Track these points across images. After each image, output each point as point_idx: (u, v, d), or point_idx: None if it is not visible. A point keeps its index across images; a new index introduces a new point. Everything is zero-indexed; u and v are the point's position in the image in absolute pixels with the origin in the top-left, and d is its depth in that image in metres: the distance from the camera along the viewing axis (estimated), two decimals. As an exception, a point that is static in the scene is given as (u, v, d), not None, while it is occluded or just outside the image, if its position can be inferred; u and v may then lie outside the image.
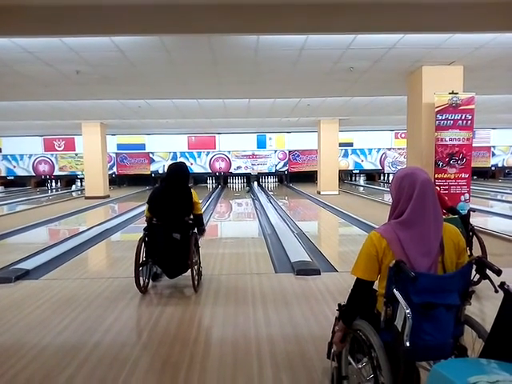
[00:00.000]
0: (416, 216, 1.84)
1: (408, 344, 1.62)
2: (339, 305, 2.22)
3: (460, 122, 6.48)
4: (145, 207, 4.23)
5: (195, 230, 4.32)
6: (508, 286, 1.59)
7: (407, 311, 1.63)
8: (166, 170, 4.32)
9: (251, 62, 6.36)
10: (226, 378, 2.56)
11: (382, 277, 1.91)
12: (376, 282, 1.96)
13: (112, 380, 2.53)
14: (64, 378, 2.54)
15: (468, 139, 6.54)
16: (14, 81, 7.35)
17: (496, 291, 1.62)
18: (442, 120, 6.47)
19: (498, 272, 1.72)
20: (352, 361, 2.12)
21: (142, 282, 4.07)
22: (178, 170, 4.23)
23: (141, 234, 4.20)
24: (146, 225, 4.20)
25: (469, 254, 3.66)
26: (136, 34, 5.04)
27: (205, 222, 4.83)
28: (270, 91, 8.82)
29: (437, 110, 6.46)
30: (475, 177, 20.08)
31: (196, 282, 4.19)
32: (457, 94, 6.45)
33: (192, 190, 4.22)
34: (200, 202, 4.37)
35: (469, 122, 6.50)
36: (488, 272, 1.80)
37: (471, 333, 1.86)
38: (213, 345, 3.05)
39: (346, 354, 2.14)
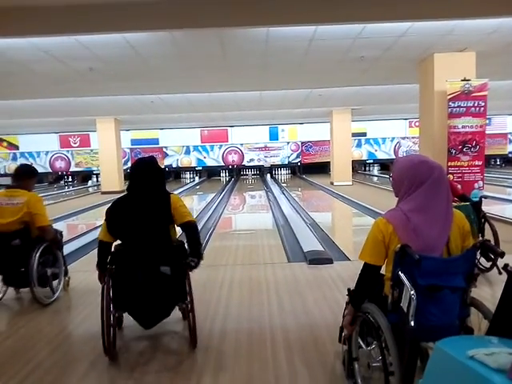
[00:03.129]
0: (430, 200, 1.88)
1: (413, 323, 1.69)
2: (348, 289, 2.30)
3: (473, 109, 6.42)
4: (101, 228, 2.91)
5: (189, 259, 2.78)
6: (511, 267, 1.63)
7: (411, 292, 1.70)
8: (130, 172, 2.94)
9: (261, 54, 6.39)
10: (242, 362, 2.65)
11: (389, 261, 1.96)
12: (383, 267, 2.03)
13: (132, 366, 2.64)
14: (88, 363, 2.67)
15: (481, 126, 6.48)
16: (29, 80, 7.53)
17: (500, 273, 1.67)
18: (454, 107, 6.42)
19: (501, 254, 1.76)
20: (362, 344, 2.19)
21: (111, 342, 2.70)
22: (146, 169, 2.85)
23: None
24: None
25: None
26: (148, 31, 5.12)
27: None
28: (281, 82, 8.83)
29: (449, 97, 6.41)
30: (493, 163, 19.84)
31: (195, 336, 2.81)
32: (469, 80, 6.39)
33: (173, 195, 2.87)
34: (186, 207, 2.90)
35: (482, 108, 6.43)
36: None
37: (477, 314, 1.91)
38: (228, 329, 3.15)
39: (356, 337, 2.22)
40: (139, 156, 20.25)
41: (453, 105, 6.41)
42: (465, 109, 6.41)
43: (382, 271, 2.04)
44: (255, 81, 8.48)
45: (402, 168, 2.00)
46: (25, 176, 3.78)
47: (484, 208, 4.31)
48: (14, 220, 3.56)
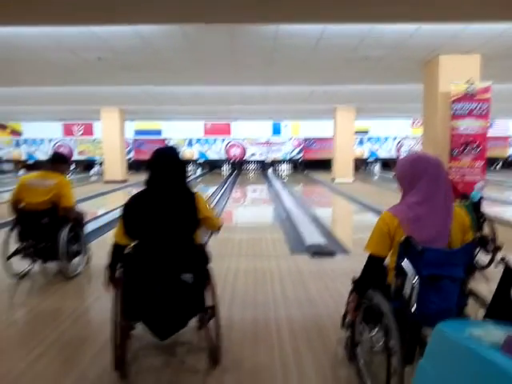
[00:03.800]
0: (430, 193, 2.01)
1: (413, 309, 1.83)
2: (353, 278, 2.43)
3: (475, 111, 6.54)
4: (116, 228, 2.47)
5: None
6: (507, 260, 1.77)
7: (413, 281, 1.84)
8: (149, 164, 2.51)
9: (270, 51, 6.50)
10: (248, 349, 2.77)
11: (394, 252, 2.10)
12: (387, 258, 2.16)
13: (145, 346, 2.78)
14: (103, 340, 2.80)
15: (483, 128, 6.60)
16: (38, 67, 7.62)
17: (494, 265, 1.81)
18: (457, 109, 6.54)
19: (498, 248, 1.90)
20: (364, 329, 2.33)
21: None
22: (169, 161, 2.51)
23: None
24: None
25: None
26: (160, 24, 5.21)
27: (219, 213, 3.50)
28: (287, 79, 8.93)
29: (453, 99, 6.53)
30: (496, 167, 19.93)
31: (216, 351, 2.53)
32: (473, 83, 6.50)
33: (197, 194, 2.53)
34: (210, 208, 2.70)
35: (484, 111, 6.56)
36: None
37: (475, 305, 2.05)
38: (234, 317, 3.28)
39: (359, 323, 2.36)
40: (142, 147, 20.36)
41: (456, 106, 6.53)
42: (468, 111, 6.53)
43: (386, 262, 2.17)
44: (262, 76, 8.58)
45: (403, 165, 2.15)
46: (59, 161, 4.18)
47: (487, 210, 4.44)
48: (44, 200, 3.91)
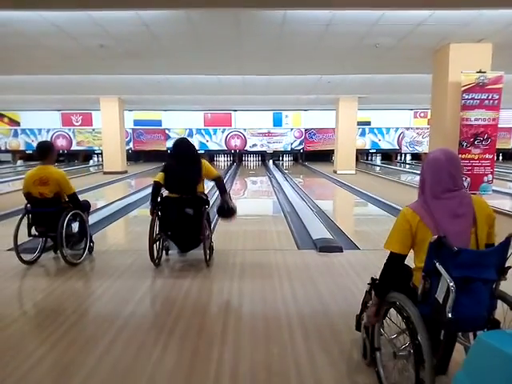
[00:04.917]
0: (437, 188, 1.96)
1: (450, 315, 1.68)
2: (372, 278, 2.29)
3: (486, 101, 6.37)
4: (156, 175, 4.19)
5: (220, 214, 4.37)
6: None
7: (451, 284, 1.69)
8: (172, 148, 4.33)
9: (276, 37, 6.28)
10: (260, 346, 2.66)
11: (418, 251, 1.99)
12: (412, 257, 2.02)
13: (152, 345, 2.65)
14: (106, 342, 2.67)
15: (494, 119, 6.44)
16: (37, 54, 7.39)
17: None
18: (468, 99, 6.36)
19: None
20: (383, 332, 2.20)
21: (155, 255, 4.17)
22: (186, 148, 4.25)
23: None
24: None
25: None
26: (163, 8, 5.01)
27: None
28: (293, 67, 8.72)
29: (463, 89, 6.35)
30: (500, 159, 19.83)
31: (208, 257, 4.25)
32: (484, 72, 6.32)
33: (203, 160, 4.26)
34: (213, 167, 4.38)
35: (495, 101, 6.38)
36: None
37: (502, 306, 1.92)
38: (244, 313, 3.17)
39: (379, 327, 2.22)
40: (142, 137, 20.16)
41: (467, 97, 6.36)
42: (478, 101, 6.36)
43: (408, 262, 2.04)
44: (267, 64, 8.36)
45: (424, 165, 2.09)
46: (45, 153, 4.33)
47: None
48: (47, 192, 4.19)
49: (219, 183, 4.36)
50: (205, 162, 4.23)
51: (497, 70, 6.43)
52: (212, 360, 2.48)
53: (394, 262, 2.03)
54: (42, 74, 9.60)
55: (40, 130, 20.22)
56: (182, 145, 4.27)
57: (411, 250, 2.03)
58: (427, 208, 1.96)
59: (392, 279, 2.09)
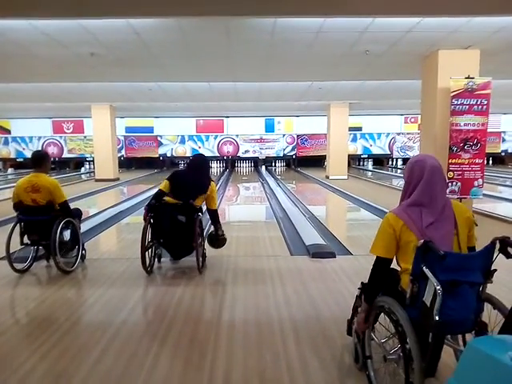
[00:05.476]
0: (425, 198, 1.99)
1: (438, 318, 1.70)
2: (362, 283, 2.31)
3: (475, 107, 6.45)
4: (162, 183, 4.31)
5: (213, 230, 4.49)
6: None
7: (438, 287, 1.71)
8: (190, 160, 4.65)
9: (266, 45, 6.33)
10: (253, 353, 2.66)
11: (403, 253, 2.04)
12: (397, 261, 2.06)
13: (144, 353, 2.64)
14: (98, 351, 2.66)
15: (483, 124, 6.52)
16: (27, 62, 7.37)
17: None
18: (457, 105, 6.44)
19: None
20: (374, 336, 2.21)
21: (147, 263, 4.17)
22: (202, 161, 4.47)
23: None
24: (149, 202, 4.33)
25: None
26: (154, 17, 5.03)
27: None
28: (284, 74, 8.78)
29: (452, 94, 6.43)
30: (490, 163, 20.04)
31: (200, 264, 4.25)
32: (473, 78, 6.41)
33: (213, 183, 4.34)
34: (216, 197, 4.48)
35: (484, 107, 6.47)
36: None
37: (489, 310, 1.95)
38: (236, 320, 3.16)
39: (369, 333, 2.23)
40: (134, 144, 20.12)
41: (456, 102, 6.43)
42: (467, 106, 6.44)
43: (394, 265, 2.07)
44: (258, 72, 8.41)
45: (407, 170, 2.14)
46: (40, 161, 4.35)
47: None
48: (39, 200, 4.20)
49: (214, 215, 4.42)
50: (213, 184, 4.36)
51: (485, 75, 6.53)
52: (205, 367, 2.48)
53: (380, 266, 2.07)
54: (33, 82, 9.57)
55: (31, 138, 20.09)
56: (200, 157, 4.61)
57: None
58: (410, 213, 2.00)
59: (379, 283, 2.12)
